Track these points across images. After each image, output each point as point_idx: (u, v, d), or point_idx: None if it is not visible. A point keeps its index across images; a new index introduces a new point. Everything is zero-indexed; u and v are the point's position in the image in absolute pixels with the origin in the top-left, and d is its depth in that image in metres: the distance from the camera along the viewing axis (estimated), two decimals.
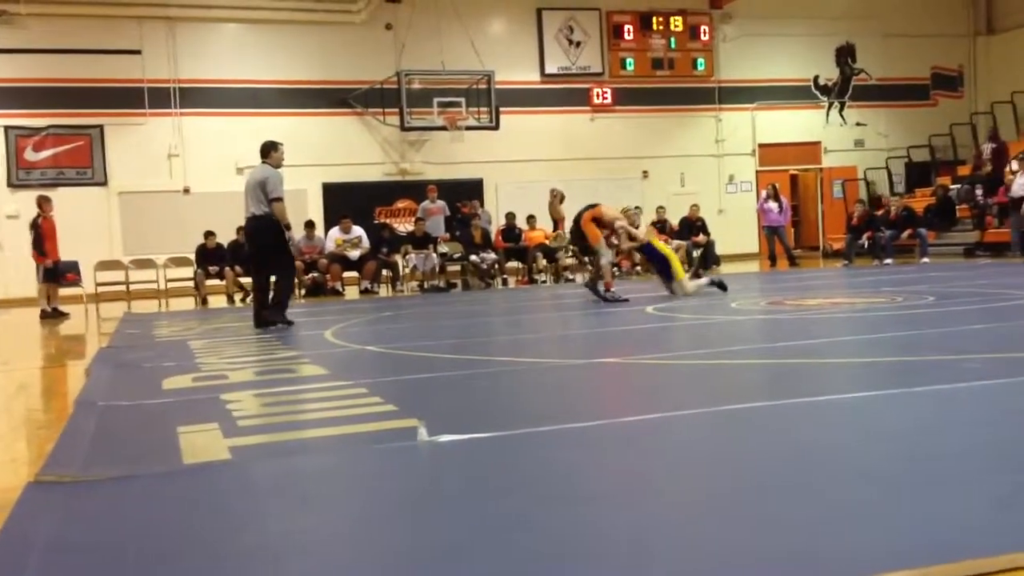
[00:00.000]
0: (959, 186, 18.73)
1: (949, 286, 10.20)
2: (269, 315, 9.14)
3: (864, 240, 16.71)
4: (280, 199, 9.01)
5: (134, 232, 17.82)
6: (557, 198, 11.89)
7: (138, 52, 18.03)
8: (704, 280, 10.88)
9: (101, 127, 17.94)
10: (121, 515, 2.79)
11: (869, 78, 22.55)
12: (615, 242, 10.36)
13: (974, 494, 2.48)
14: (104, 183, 17.97)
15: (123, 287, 15.29)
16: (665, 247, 10.88)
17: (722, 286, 10.43)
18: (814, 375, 4.85)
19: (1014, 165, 16.30)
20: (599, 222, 10.21)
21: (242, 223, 15.23)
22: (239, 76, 18.60)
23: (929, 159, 21.51)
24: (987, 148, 17.96)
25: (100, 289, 15.22)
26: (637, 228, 11.16)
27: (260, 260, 9.39)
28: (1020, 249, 15.50)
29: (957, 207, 18.23)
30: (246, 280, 15.04)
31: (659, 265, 10.59)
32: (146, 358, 6.93)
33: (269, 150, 9.31)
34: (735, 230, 20.81)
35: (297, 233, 15.61)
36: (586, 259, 16.93)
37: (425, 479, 3.04)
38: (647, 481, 2.86)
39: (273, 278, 9.44)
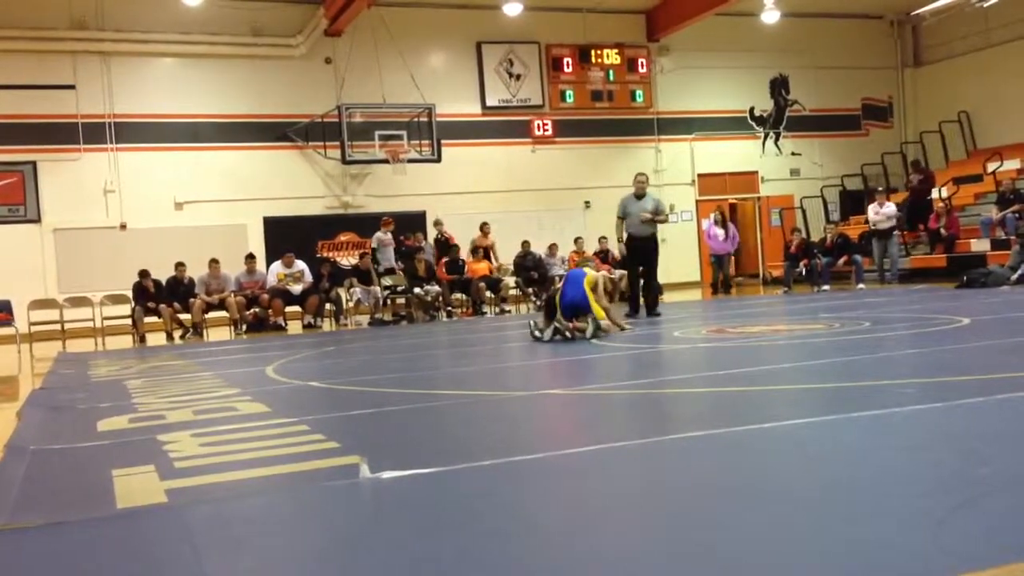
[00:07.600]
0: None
1: (884, 312, 10.42)
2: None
3: (802, 267, 17.03)
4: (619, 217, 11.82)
5: (69, 269, 17.46)
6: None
7: (72, 87, 17.75)
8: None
9: (34, 163, 17.58)
10: (51, 563, 2.70)
11: (803, 109, 23.13)
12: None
13: (910, 517, 2.52)
14: (37, 220, 17.59)
15: (58, 326, 14.91)
16: (597, 308, 9.38)
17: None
18: (755, 403, 4.90)
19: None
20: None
21: (180, 259, 15.23)
22: (176, 111, 18.41)
23: (862, 187, 22.05)
24: (915, 179, 18.53)
25: (34, 328, 14.83)
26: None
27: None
28: (879, 276, 16.38)
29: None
30: (185, 316, 14.84)
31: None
32: (81, 399, 6.75)
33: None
34: (677, 259, 21.08)
35: (237, 267, 15.57)
36: (530, 290, 17.02)
37: (367, 517, 2.99)
38: (591, 514, 2.86)
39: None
